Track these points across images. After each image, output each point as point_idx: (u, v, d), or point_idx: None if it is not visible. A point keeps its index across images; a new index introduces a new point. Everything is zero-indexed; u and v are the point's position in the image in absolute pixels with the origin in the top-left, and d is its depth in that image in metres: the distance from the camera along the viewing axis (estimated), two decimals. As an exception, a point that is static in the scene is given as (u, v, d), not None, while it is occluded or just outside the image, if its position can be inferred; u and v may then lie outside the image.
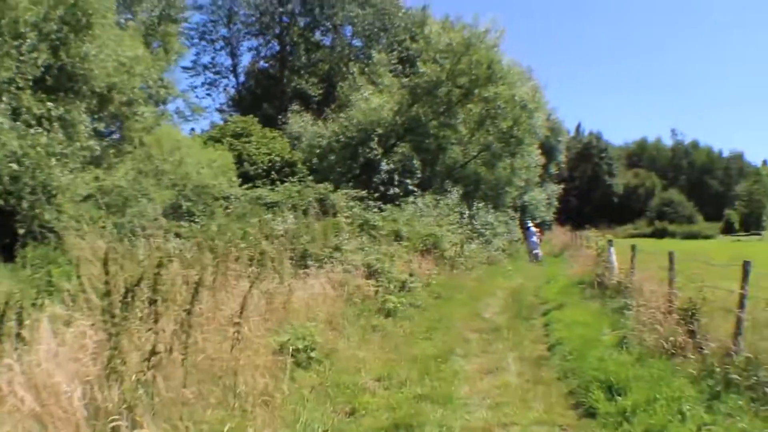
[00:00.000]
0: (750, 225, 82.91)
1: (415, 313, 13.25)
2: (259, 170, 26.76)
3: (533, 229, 34.16)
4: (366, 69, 35.74)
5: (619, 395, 7.63)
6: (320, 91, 42.18)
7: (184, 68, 46.36)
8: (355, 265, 13.65)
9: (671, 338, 8.96)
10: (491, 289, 18.76)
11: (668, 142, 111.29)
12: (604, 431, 6.93)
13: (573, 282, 18.37)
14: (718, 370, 7.66)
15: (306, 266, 12.80)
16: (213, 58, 48.83)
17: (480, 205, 28.44)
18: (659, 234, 70.14)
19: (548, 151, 49.32)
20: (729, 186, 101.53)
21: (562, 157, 59.07)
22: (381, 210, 20.09)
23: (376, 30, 41.33)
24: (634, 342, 9.65)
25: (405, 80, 30.86)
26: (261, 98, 45.05)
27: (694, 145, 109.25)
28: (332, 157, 29.06)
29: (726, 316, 8.78)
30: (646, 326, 9.90)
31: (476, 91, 29.66)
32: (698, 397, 7.18)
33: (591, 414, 7.44)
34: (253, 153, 27.89)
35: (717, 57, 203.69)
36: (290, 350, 7.95)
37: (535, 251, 32.10)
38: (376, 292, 12.82)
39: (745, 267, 8.16)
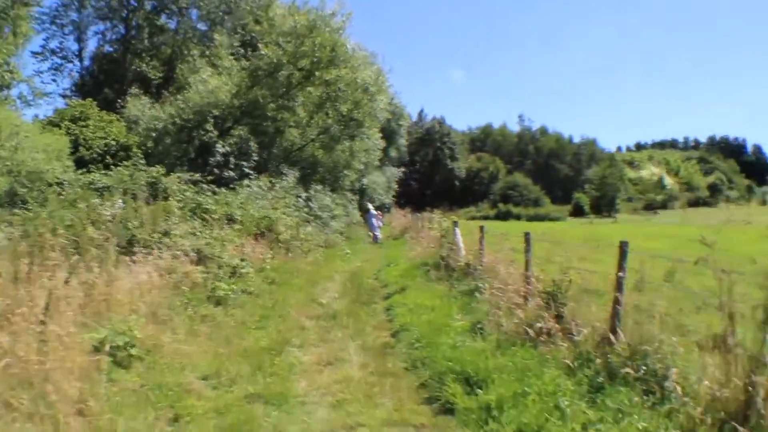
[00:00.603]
0: (601, 208, 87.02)
1: (247, 300, 12.57)
2: (94, 154, 25.57)
3: (373, 211, 34.29)
4: (207, 52, 34.97)
5: (480, 388, 6.98)
6: (161, 75, 40.94)
7: (34, 53, 44.62)
8: (184, 250, 12.98)
9: (537, 324, 8.36)
10: (329, 272, 18.30)
11: (515, 128, 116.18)
12: (466, 430, 6.25)
13: (416, 264, 17.98)
14: (597, 359, 7.21)
15: (133, 253, 12.35)
16: (61, 43, 46.70)
17: (318, 187, 28.27)
18: (503, 216, 72.45)
19: (389, 135, 49.97)
20: (579, 171, 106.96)
21: (403, 141, 59.94)
22: (215, 193, 19.69)
23: (221, 14, 40.47)
24: (490, 328, 9.19)
25: (246, 63, 30.34)
26: (103, 83, 43.34)
27: (543, 131, 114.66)
28: (168, 141, 28.18)
29: (598, 300, 8.47)
30: (503, 310, 9.44)
31: (317, 73, 29.25)
32: (577, 390, 6.60)
33: (449, 410, 6.79)
34: (90, 137, 26.30)
35: (569, 47, 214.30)
36: (108, 348, 7.25)
37: (375, 233, 32.48)
38: (206, 279, 12.12)
39: (623, 247, 7.73)
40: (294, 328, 10.85)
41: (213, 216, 17.23)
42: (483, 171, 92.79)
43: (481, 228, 14.66)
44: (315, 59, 29.17)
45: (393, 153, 55.66)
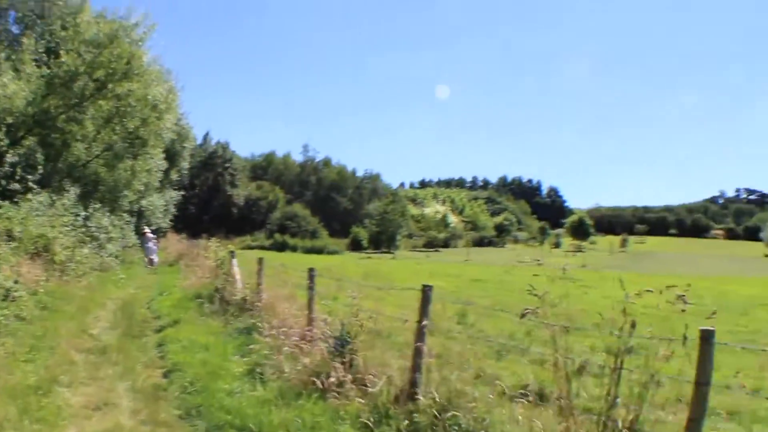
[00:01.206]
0: (381, 243, 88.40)
1: (19, 327, 12.24)
2: None
3: (150, 235, 34.13)
4: (13, 56, 33.08)
5: (267, 448, 6.69)
6: None
7: None
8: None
9: (327, 373, 7.92)
10: (102, 299, 18.22)
11: (299, 158, 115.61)
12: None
13: (189, 295, 17.77)
14: (399, 416, 6.82)
15: None
16: None
17: (96, 206, 27.76)
18: (279, 247, 72.50)
19: (172, 156, 48.98)
20: (360, 204, 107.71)
21: (186, 164, 58.99)
22: (-2, 207, 19.01)
23: (34, 16, 38.34)
24: (270, 373, 8.84)
25: (46, 70, 29.03)
26: None
27: (327, 162, 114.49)
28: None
29: (391, 346, 8.70)
30: (285, 354, 9.17)
31: (110, 86, 28.73)
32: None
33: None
34: None
35: (358, 78, 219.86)
36: None
37: (151, 257, 32.37)
38: None
39: (426, 292, 7.34)
40: (64, 362, 10.30)
41: None
42: (262, 200, 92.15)
43: (260, 260, 14.60)
44: (110, 70, 28.60)
45: (174, 175, 54.40)
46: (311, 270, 10.75)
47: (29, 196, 22.60)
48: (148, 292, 20.76)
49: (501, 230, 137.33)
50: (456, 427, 6.25)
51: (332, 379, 7.82)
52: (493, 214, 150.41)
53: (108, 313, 16.19)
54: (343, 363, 8.05)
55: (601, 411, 5.57)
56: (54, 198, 23.82)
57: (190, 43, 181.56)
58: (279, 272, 15.10)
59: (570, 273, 41.95)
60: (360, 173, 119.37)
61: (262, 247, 68.64)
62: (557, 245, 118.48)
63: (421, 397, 6.84)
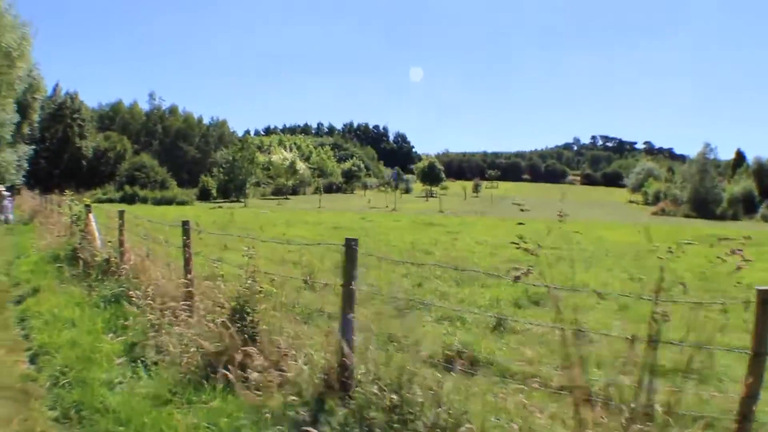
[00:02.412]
0: (229, 192, 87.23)
1: None
2: None
3: (5, 192, 33.08)
4: None
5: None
6: None
7: None
8: None
9: (228, 354, 6.61)
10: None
11: (146, 106, 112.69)
12: None
13: (46, 257, 16.25)
14: (338, 410, 5.65)
15: None
16: None
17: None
18: (129, 199, 70.79)
19: (24, 109, 47.43)
20: (207, 153, 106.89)
21: (36, 117, 56.87)
22: None
23: None
24: (152, 355, 7.60)
25: None
26: None
27: (173, 110, 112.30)
28: None
29: (292, 316, 7.70)
30: (166, 330, 7.96)
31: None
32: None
33: None
34: None
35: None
36: None
37: (7, 215, 31.68)
38: None
39: (351, 248, 6.06)
40: None
41: None
42: (110, 151, 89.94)
43: (121, 213, 13.12)
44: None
45: (26, 129, 52.59)
46: (185, 223, 9.38)
47: None
48: (4, 256, 19.06)
49: (349, 176, 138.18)
50: (423, 422, 5.12)
51: (238, 364, 6.47)
52: (340, 160, 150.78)
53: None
54: (244, 341, 6.73)
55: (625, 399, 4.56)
56: None
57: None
58: (137, 226, 13.78)
59: (429, 218, 42.68)
60: (207, 121, 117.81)
61: (112, 200, 66.76)
62: (407, 191, 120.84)
63: (359, 383, 5.72)
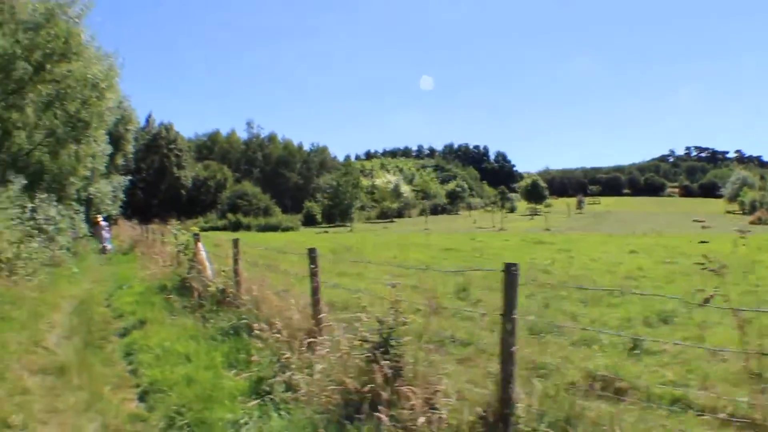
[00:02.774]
0: (334, 217, 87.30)
1: None
2: None
3: (103, 223, 33.42)
4: None
5: None
6: None
7: None
8: None
9: (372, 392, 5.83)
10: (55, 299, 16.16)
11: (244, 135, 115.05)
12: None
13: (152, 288, 15.92)
14: None
15: None
16: None
17: (43, 196, 25.70)
18: (233, 227, 70.67)
19: (116, 140, 47.65)
20: (309, 179, 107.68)
21: (130, 148, 57.22)
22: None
23: None
24: (281, 392, 6.84)
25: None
26: None
27: (272, 138, 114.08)
28: None
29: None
30: (296, 365, 7.16)
31: (48, 67, 26.86)
32: None
33: None
34: None
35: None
36: None
37: (105, 245, 31.88)
38: None
39: (512, 273, 5.42)
40: (15, 392, 8.07)
41: None
42: (210, 180, 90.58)
43: (235, 242, 12.63)
44: (48, 51, 26.77)
45: (120, 160, 52.86)
46: (312, 251, 8.61)
47: (-33, 192, 20.67)
48: (105, 287, 19.01)
49: (454, 197, 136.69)
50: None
51: (385, 402, 5.73)
52: (443, 181, 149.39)
53: (63, 316, 14.31)
54: (388, 377, 5.91)
55: None
56: (-1, 190, 21.88)
57: (123, 22, 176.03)
58: (247, 254, 13.17)
59: (537, 236, 41.47)
60: (307, 147, 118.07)
61: (216, 228, 66.94)
62: (512, 210, 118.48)
63: (519, 419, 5.20)
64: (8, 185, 22.69)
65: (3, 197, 21.24)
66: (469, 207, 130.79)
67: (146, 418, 7.07)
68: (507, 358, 5.33)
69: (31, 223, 22.46)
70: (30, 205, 23.33)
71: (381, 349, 6.10)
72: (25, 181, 24.27)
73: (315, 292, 8.35)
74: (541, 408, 5.21)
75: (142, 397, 7.90)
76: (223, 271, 13.16)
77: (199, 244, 14.86)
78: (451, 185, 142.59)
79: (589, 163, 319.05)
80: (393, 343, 6.15)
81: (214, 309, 11.77)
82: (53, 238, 24.81)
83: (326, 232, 62.67)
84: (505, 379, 5.27)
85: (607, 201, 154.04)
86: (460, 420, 5.38)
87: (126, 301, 15.08)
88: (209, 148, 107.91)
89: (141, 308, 13.52)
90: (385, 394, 5.73)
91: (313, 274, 8.44)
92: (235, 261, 12.32)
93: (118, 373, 9.14)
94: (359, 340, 6.50)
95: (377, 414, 5.58)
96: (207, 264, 14.17)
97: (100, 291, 18.25)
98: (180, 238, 17.80)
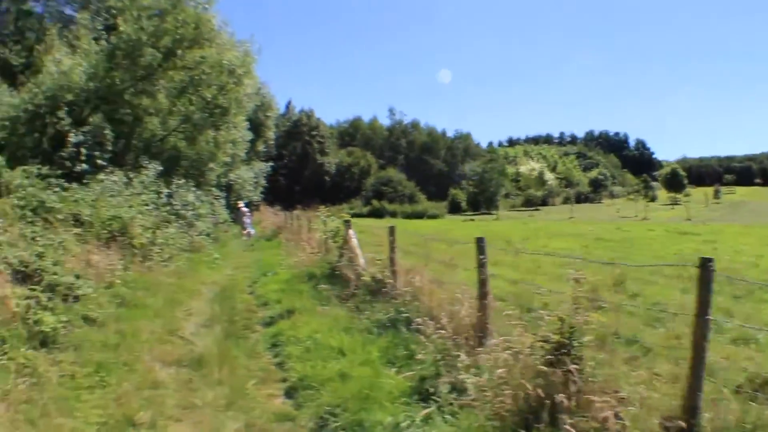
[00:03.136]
0: (479, 205, 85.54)
1: (86, 334, 9.12)
2: None
3: (244, 209, 33.05)
4: (66, 33, 30.67)
5: None
6: (23, 61, 36.49)
7: None
8: (9, 263, 10.08)
9: (549, 398, 5.11)
10: (195, 285, 15.17)
11: (385, 121, 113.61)
12: None
13: (299, 275, 14.95)
14: None
15: None
16: None
17: (180, 182, 25.13)
18: (377, 214, 69.71)
19: (257, 126, 47.29)
20: (454, 166, 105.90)
21: (271, 134, 57.26)
22: (65, 189, 16.41)
23: None
24: (446, 393, 6.07)
25: (105, 44, 26.38)
26: None
27: (415, 124, 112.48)
28: (20, 130, 24.32)
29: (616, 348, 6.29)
30: (463, 366, 6.31)
31: (179, 52, 25.99)
32: None
33: None
34: None
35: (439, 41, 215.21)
36: None
37: (249, 230, 31.51)
38: (28, 306, 8.64)
39: (708, 268, 4.82)
40: (144, 385, 7.42)
41: (57, 216, 14.17)
42: (354, 166, 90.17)
43: (392, 229, 11.53)
44: (177, 37, 25.80)
45: (261, 146, 53.01)
46: (480, 240, 7.68)
47: (101, 176, 20.07)
48: (247, 273, 18.26)
49: (597, 185, 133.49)
50: None
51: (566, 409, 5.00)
52: (585, 169, 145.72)
53: (203, 303, 13.19)
54: (568, 380, 5.16)
55: None
56: (131, 176, 21.25)
57: (258, 11, 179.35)
58: (410, 244, 12.71)
59: (680, 227, 40.20)
60: (450, 134, 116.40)
61: (360, 215, 65.87)
62: (653, 199, 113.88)
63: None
64: (142, 171, 22.10)
65: (136, 182, 20.59)
66: (612, 195, 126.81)
67: (294, 417, 6.51)
68: (698, 363, 4.85)
69: (168, 208, 21.80)
70: (166, 190, 22.70)
71: (562, 351, 5.40)
72: (160, 167, 23.74)
73: (483, 284, 7.58)
74: (726, 420, 4.74)
75: (290, 394, 7.33)
76: (379, 260, 11.95)
77: (351, 231, 13.94)
78: (593, 173, 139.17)
79: (723, 151, 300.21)
80: (575, 344, 5.44)
81: (368, 299, 10.82)
82: (192, 224, 24.16)
83: (472, 219, 60.84)
84: (694, 386, 4.82)
85: (741, 191, 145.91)
86: (644, 430, 4.87)
87: (271, 289, 14.24)
88: (351, 134, 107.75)
89: (288, 297, 12.66)
90: (566, 401, 5.07)
91: (481, 265, 7.65)
92: (392, 249, 11.29)
93: (263, 367, 8.46)
94: (540, 341, 5.63)
95: (560, 423, 4.96)
96: (359, 252, 13.18)
97: (242, 277, 17.40)
98: (329, 224, 17.31)
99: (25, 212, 13.40)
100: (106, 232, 15.28)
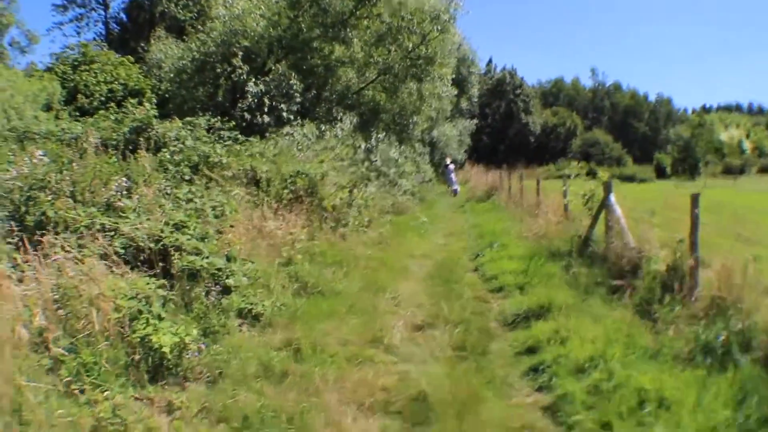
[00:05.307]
0: (682, 171, 79.63)
1: (236, 350, 5.77)
2: (95, 102, 21.33)
3: (451, 166, 31.73)
4: None
5: None
6: (190, 14, 35.12)
7: (55, 6, 41.21)
8: (138, 237, 6.86)
9: None
10: (401, 259, 11.61)
11: (587, 83, 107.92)
12: None
13: (539, 250, 10.88)
14: None
15: (39, 243, 6.13)
16: None
17: (381, 136, 21.93)
18: (586, 176, 64.25)
19: (460, 83, 43.66)
20: (657, 130, 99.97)
21: (475, 91, 53.86)
22: (237, 141, 13.43)
23: None
24: None
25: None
26: (131, 31, 39.47)
27: (617, 86, 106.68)
28: (190, 84, 22.06)
29: None
30: None
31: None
32: None
33: None
34: (92, 83, 22.79)
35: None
36: None
37: (454, 188, 30.90)
38: (138, 314, 5.22)
39: None
40: None
41: (225, 173, 11.13)
42: (560, 126, 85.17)
43: (695, 198, 7.31)
44: (370, -26, 22.42)
45: (464, 104, 49.82)
46: None
47: (287, 129, 17.18)
48: (464, 243, 14.64)
49: None
50: None
51: None
52: None
53: (414, 286, 9.56)
54: None
55: None
56: (323, 129, 18.15)
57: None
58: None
59: None
60: (651, 97, 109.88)
61: (568, 176, 60.98)
62: None
63: None
64: (336, 124, 18.92)
65: (329, 136, 17.41)
66: None
67: None
68: None
69: (367, 164, 18.51)
70: (364, 144, 19.41)
71: None
72: (357, 120, 20.50)
73: None
74: None
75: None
76: (679, 240, 7.50)
77: (611, 197, 9.75)
78: None
79: None
80: None
81: (658, 298, 7.02)
82: (395, 182, 20.93)
83: (684, 186, 54.55)
84: None
85: None
86: None
87: (505, 268, 10.33)
88: (554, 95, 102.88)
89: (533, 282, 9.01)
90: None
91: None
92: (694, 228, 7.24)
93: (530, 423, 4.89)
94: None
95: None
96: (624, 225, 9.21)
97: (459, 248, 13.88)
98: (584, 186, 11.99)
99: (181, 168, 10.66)
100: (288, 192, 11.96)
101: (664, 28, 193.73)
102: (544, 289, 8.23)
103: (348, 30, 23.19)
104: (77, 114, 18.70)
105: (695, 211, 7.16)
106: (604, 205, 9.73)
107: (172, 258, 6.70)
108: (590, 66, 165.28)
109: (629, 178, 64.59)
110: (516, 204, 19.19)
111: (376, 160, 19.89)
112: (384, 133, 22.63)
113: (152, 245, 6.73)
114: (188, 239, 6.99)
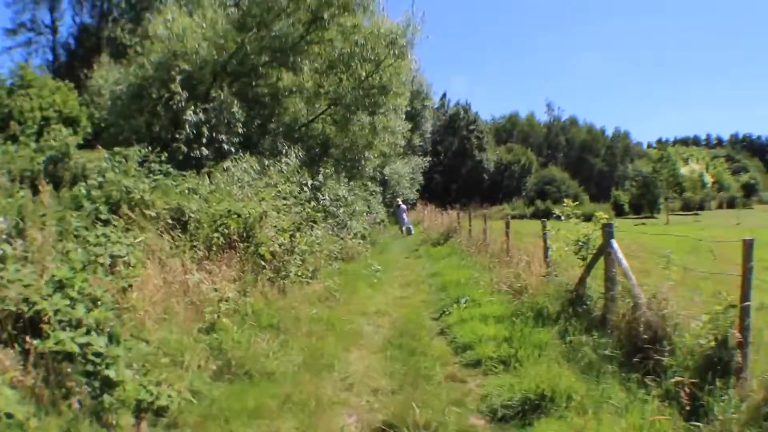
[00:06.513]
0: (641, 208, 79.95)
1: None
2: (28, 130, 19.63)
3: (404, 206, 30.99)
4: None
5: None
6: (136, 38, 33.34)
7: (7, 30, 42.58)
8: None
9: None
10: (352, 319, 9.87)
11: (543, 117, 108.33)
12: None
13: (520, 309, 9.15)
14: None
15: None
16: (33, 15, 43.74)
17: (328, 172, 20.20)
18: (542, 215, 63.26)
19: (413, 117, 43.07)
20: (614, 165, 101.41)
21: (428, 126, 52.80)
22: (168, 176, 11.59)
23: None
24: None
25: (232, 9, 21.77)
26: (79, 57, 39.31)
27: (573, 121, 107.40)
28: (126, 112, 20.01)
29: None
30: None
31: (326, 17, 20.85)
32: None
33: None
34: (26, 109, 22.61)
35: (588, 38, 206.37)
36: None
37: (408, 227, 30.05)
38: None
39: None
40: None
41: (148, 212, 9.52)
42: (514, 164, 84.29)
43: (749, 247, 5.62)
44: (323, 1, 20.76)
45: (417, 140, 48.63)
46: None
47: (226, 163, 15.46)
48: (423, 294, 12.89)
49: (750, 190, 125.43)
50: None
51: None
52: (733, 173, 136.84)
53: (368, 358, 7.80)
54: None
55: None
56: (267, 164, 16.45)
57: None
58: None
59: None
60: (608, 132, 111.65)
61: (523, 216, 60.13)
62: None
63: None
64: (281, 159, 17.21)
65: (273, 172, 15.64)
66: (761, 201, 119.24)
67: None
68: None
69: (314, 203, 16.66)
70: (311, 181, 17.65)
71: None
72: (303, 154, 18.87)
73: None
74: None
75: None
76: (729, 305, 5.69)
77: (613, 243, 8.01)
78: (745, 177, 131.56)
79: None
80: None
81: (708, 385, 5.23)
82: (344, 224, 19.27)
83: (644, 224, 54.13)
84: None
85: None
86: None
87: (482, 334, 8.39)
88: (509, 131, 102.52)
89: (523, 355, 7.17)
90: None
91: None
92: (745, 286, 5.48)
93: None
94: None
95: None
96: (633, 279, 7.35)
97: (420, 302, 12.08)
98: (580, 229, 10.28)
99: (98, 206, 8.98)
100: (219, 236, 10.14)
101: (618, 63, 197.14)
102: (538, 366, 6.49)
103: (298, 56, 21.59)
104: (11, 142, 16.90)
105: (748, 265, 5.43)
106: (604, 252, 8.07)
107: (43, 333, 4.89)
108: (545, 101, 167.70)
109: (588, 218, 64.28)
110: (479, 249, 17.36)
111: (324, 199, 18.13)
112: (333, 170, 20.88)
113: (19, 310, 4.92)
114: (67, 305, 5.16)
